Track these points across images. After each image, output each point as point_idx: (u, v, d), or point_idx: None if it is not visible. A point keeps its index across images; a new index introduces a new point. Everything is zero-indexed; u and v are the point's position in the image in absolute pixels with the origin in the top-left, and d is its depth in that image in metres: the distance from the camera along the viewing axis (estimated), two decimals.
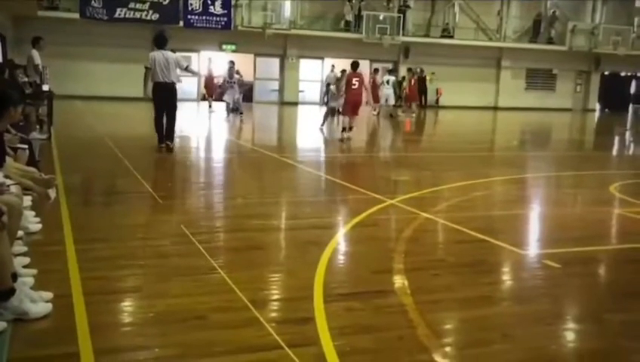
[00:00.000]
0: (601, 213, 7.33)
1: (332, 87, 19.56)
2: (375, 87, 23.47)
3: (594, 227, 6.57)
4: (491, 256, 5.24)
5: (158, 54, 10.67)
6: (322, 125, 16.73)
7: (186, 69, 11.18)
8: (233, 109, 19.19)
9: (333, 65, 19.71)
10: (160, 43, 10.93)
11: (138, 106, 19.44)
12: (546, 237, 6.23)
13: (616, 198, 8.17)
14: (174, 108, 10.85)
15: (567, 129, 23.67)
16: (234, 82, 18.85)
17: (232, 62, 19.51)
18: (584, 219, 7.08)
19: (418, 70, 26.66)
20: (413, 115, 23.48)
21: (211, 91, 23.17)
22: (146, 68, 10.90)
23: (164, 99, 10.65)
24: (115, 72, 23.65)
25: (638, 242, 5.90)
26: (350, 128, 14.44)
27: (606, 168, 11.93)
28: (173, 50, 11.29)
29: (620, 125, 25.18)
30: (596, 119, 29.99)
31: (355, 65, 14.71)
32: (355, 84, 14.47)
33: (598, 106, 34.98)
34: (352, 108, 14.66)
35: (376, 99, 23.76)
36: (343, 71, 18.71)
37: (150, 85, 10.86)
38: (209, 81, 23.88)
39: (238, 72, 19.34)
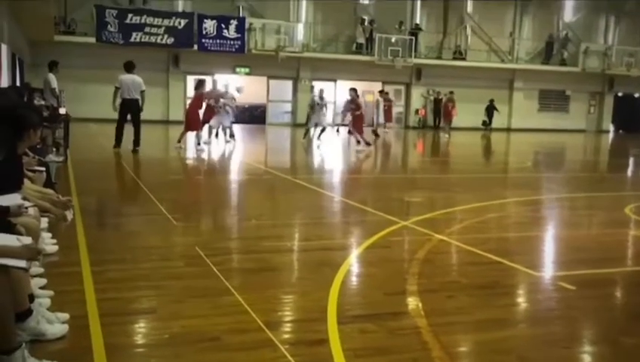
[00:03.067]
0: (617, 234, 7.27)
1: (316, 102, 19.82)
2: (390, 108, 24.28)
3: (609, 249, 6.52)
4: (506, 278, 5.21)
5: (126, 77, 13.76)
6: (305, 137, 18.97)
7: (141, 93, 13.78)
8: (216, 135, 18.03)
9: (321, 90, 19.58)
10: (129, 68, 13.97)
11: (153, 128, 19.65)
12: (560, 259, 6.19)
13: (632, 220, 8.11)
14: (138, 119, 13.75)
15: (581, 150, 23.56)
16: (220, 106, 17.15)
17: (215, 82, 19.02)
18: (599, 241, 7.03)
19: (448, 93, 26.91)
20: (447, 135, 25.08)
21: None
22: (116, 88, 13.77)
23: (130, 111, 13.67)
24: None
25: None
26: (367, 143, 17.62)
27: (621, 190, 11.85)
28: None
29: (634, 146, 25.04)
30: (610, 140, 29.84)
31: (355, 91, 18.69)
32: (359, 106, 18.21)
33: (611, 127, 34.82)
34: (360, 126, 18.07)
35: (389, 118, 24.75)
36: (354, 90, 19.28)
37: (119, 101, 13.77)
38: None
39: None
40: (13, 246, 3.03)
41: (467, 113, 30.22)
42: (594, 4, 33.56)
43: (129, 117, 13.99)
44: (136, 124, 13.75)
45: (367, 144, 17.75)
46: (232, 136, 17.81)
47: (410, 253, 5.93)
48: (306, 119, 20.95)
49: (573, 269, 5.58)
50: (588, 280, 5.26)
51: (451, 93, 26.56)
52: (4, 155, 3.58)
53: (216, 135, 18.35)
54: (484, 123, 30.49)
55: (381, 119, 24.11)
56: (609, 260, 5.98)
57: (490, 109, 30.40)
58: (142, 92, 13.86)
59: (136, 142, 13.68)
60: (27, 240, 3.15)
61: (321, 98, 19.87)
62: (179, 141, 15.71)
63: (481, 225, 7.48)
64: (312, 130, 19.52)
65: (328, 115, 23.35)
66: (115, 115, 14.18)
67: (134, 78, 13.81)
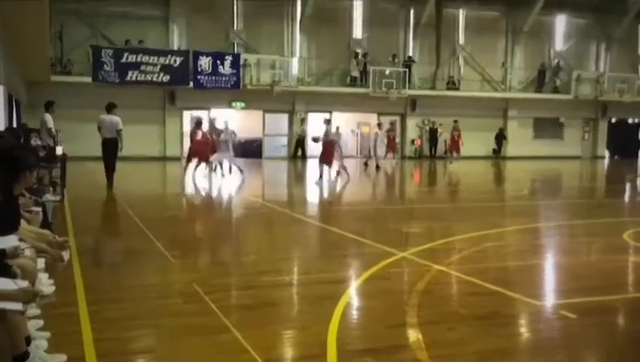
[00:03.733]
0: (616, 261, 7.26)
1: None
2: (393, 140, 24.66)
3: (609, 276, 6.50)
4: (506, 307, 5.18)
5: (106, 117, 14.40)
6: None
7: (118, 132, 14.32)
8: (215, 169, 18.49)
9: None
10: (109, 108, 14.54)
11: (150, 165, 19.68)
12: (560, 288, 6.17)
13: (631, 246, 8.10)
14: (115, 155, 14.45)
15: (577, 176, 23.64)
16: (222, 141, 17.94)
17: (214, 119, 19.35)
18: (599, 268, 7.01)
19: (453, 122, 27.17)
20: (451, 163, 25.66)
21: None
22: (99, 128, 14.53)
23: (112, 148, 14.33)
24: (128, 133, 23.93)
25: None
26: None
27: (618, 216, 11.85)
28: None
29: (629, 172, 25.13)
30: (606, 166, 29.96)
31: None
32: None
33: (607, 153, 35.00)
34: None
35: (393, 148, 24.90)
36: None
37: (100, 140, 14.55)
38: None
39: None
40: (10, 290, 3.02)
41: (463, 142, 30.38)
42: (584, 32, 34.03)
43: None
44: (111, 162, 14.48)
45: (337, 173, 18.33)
46: (240, 170, 18.28)
47: (410, 285, 5.91)
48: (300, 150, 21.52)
49: (574, 297, 5.56)
50: (589, 308, 5.24)
51: (455, 122, 26.62)
52: (1, 198, 3.59)
53: (214, 169, 18.58)
54: (494, 151, 31.52)
55: (380, 151, 23.92)
56: (609, 287, 5.96)
57: (500, 138, 31.34)
58: (118, 131, 14.36)
59: (109, 179, 14.45)
60: (24, 283, 3.15)
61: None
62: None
63: (479, 254, 7.46)
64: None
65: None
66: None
67: (112, 118, 14.37)
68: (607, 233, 9.32)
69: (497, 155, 31.23)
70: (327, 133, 18.19)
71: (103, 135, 14.48)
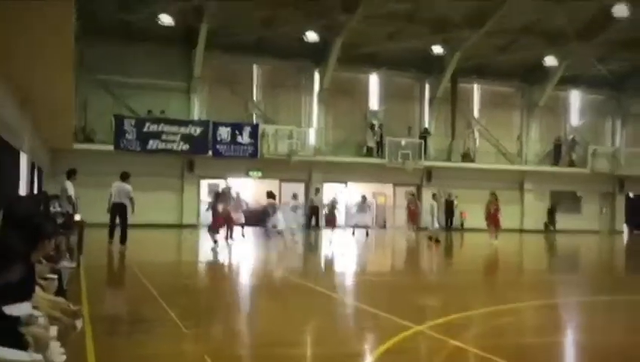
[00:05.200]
0: (638, 342, 7.04)
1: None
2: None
3: (631, 357, 6.30)
4: None
5: (116, 184, 15.97)
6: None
7: (130, 199, 15.72)
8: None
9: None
10: (123, 178, 16.01)
11: (167, 232, 19.77)
12: None
13: None
14: (125, 220, 15.77)
15: (596, 251, 23.28)
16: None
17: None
18: (620, 348, 6.80)
19: (444, 193, 26.94)
20: (495, 241, 21.39)
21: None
22: (111, 195, 15.89)
23: (118, 213, 15.77)
24: (147, 200, 24.26)
25: None
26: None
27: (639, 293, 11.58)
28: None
29: None
30: (625, 241, 29.52)
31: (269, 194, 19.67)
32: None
33: (625, 228, 34.58)
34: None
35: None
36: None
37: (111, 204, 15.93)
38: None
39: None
40: (23, 361, 3.01)
41: (479, 215, 30.20)
42: (599, 108, 34.35)
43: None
44: (123, 224, 15.83)
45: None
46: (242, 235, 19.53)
47: (426, 360, 5.77)
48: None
49: None
50: None
51: (492, 194, 22.84)
52: (20, 266, 3.62)
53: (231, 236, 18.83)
54: (545, 225, 31.64)
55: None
56: None
57: (552, 212, 31.60)
58: (130, 198, 15.78)
59: (123, 239, 15.59)
60: (38, 356, 3.14)
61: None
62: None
63: (497, 330, 7.30)
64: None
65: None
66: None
67: (123, 186, 15.90)
68: (628, 310, 9.09)
69: (548, 229, 31.21)
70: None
71: (113, 200, 15.89)
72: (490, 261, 17.22)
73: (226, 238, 18.29)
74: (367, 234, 24.30)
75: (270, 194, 19.85)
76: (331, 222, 23.19)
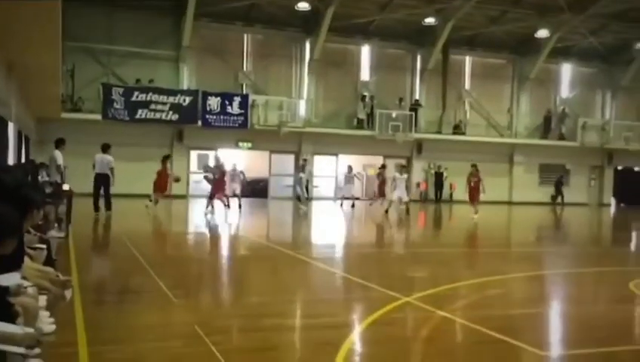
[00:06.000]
0: (623, 311, 7.16)
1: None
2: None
3: (616, 326, 6.40)
4: (511, 357, 5.11)
5: (99, 156, 16.74)
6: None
7: (111, 170, 16.53)
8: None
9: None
10: (104, 149, 16.82)
11: (157, 204, 19.71)
12: (567, 337, 6.08)
13: (637, 296, 8.01)
14: (108, 188, 16.63)
15: (584, 224, 23.52)
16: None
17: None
18: (605, 318, 6.91)
19: (434, 166, 26.93)
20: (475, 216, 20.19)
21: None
22: (93, 165, 16.80)
23: (102, 182, 16.61)
24: (135, 170, 24.19)
25: None
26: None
27: (624, 264, 11.75)
28: None
29: (636, 220, 25.00)
30: (612, 214, 29.83)
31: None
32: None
33: (613, 201, 34.89)
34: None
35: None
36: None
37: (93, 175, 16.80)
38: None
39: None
40: (15, 334, 3.02)
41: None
42: (590, 81, 34.39)
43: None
44: (107, 193, 16.72)
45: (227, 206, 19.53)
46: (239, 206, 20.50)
47: (413, 331, 5.84)
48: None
49: (581, 348, 5.48)
50: (596, 359, 5.15)
51: (473, 166, 21.49)
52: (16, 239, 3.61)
53: (228, 205, 19.77)
54: (552, 198, 31.69)
55: (401, 194, 21.69)
56: (617, 338, 5.87)
57: (559, 185, 31.48)
58: (111, 169, 16.55)
59: (108, 206, 16.62)
60: (30, 329, 3.16)
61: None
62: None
63: (484, 301, 7.38)
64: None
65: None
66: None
67: (104, 157, 16.71)
68: (613, 282, 9.22)
69: (556, 202, 31.33)
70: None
71: (96, 171, 16.69)
72: (477, 233, 17.34)
73: (225, 205, 19.53)
74: (352, 205, 24.36)
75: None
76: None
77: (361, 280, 8.38)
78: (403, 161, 28.34)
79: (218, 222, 17.11)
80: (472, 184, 21.06)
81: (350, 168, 25.86)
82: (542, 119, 33.05)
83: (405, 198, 21.72)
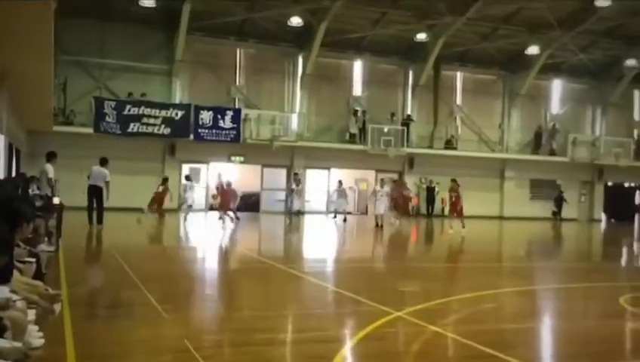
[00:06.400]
0: (613, 326, 7.17)
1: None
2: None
3: (607, 341, 6.41)
4: None
5: (96, 168, 16.97)
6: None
7: (106, 183, 16.71)
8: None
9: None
10: (102, 163, 17.08)
11: (147, 217, 19.67)
12: (558, 352, 6.08)
13: (628, 311, 8.02)
14: (101, 202, 16.73)
15: (574, 239, 23.59)
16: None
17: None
18: (596, 333, 6.92)
19: (426, 180, 27.10)
20: (450, 231, 20.10)
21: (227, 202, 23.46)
22: (88, 177, 16.94)
23: (95, 194, 16.70)
24: (128, 184, 24.13)
25: None
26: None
27: (614, 280, 11.78)
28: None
29: (626, 236, 25.11)
30: (602, 229, 29.95)
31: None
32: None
33: (603, 216, 35.04)
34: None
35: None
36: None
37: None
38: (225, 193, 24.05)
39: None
40: (3, 347, 3.00)
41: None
42: (580, 97, 34.67)
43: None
44: (99, 206, 16.82)
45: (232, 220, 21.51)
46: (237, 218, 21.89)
47: (405, 346, 5.83)
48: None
49: None
50: None
51: (453, 181, 21.28)
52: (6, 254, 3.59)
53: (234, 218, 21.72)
54: (553, 213, 31.97)
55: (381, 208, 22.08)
56: (608, 353, 5.87)
57: (559, 200, 31.85)
58: (106, 182, 16.70)
59: (100, 219, 16.73)
60: (17, 344, 3.14)
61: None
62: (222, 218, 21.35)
63: (476, 316, 7.38)
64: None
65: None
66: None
67: (101, 170, 16.91)
68: (603, 297, 9.24)
69: (558, 217, 31.64)
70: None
71: (90, 183, 16.84)
72: (469, 248, 17.36)
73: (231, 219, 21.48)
74: (344, 219, 24.42)
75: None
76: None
77: (353, 295, 8.35)
78: (394, 176, 28.61)
79: (210, 236, 17.06)
80: (454, 199, 20.95)
81: (340, 183, 26.02)
82: (533, 135, 33.25)
83: (381, 212, 21.91)
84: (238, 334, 6.15)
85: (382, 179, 24.28)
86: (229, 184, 22.32)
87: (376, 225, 21.44)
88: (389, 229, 21.39)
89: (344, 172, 29.23)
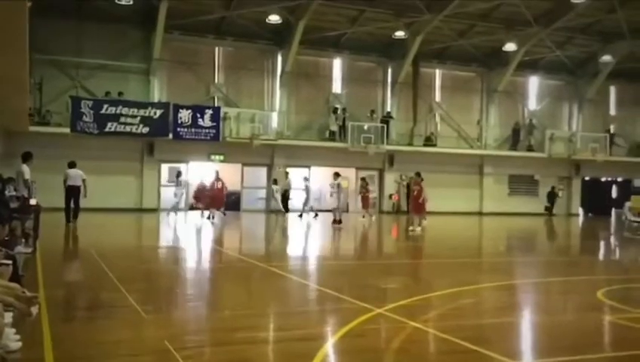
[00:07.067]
0: (591, 319, 7.26)
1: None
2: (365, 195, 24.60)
3: (585, 335, 6.49)
4: None
5: (71, 171, 18.08)
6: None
7: (84, 181, 17.86)
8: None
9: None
10: (72, 165, 18.19)
11: (126, 216, 19.50)
12: (537, 346, 6.14)
13: (605, 304, 8.13)
14: (78, 199, 17.88)
15: (552, 234, 23.87)
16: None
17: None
18: (575, 326, 7.01)
19: (406, 177, 27.41)
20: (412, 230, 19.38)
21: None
22: (64, 180, 17.91)
23: (73, 194, 17.80)
24: (106, 184, 23.91)
25: (631, 349, 5.82)
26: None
27: (592, 274, 11.94)
28: None
29: (602, 229, 25.45)
30: (580, 224, 30.34)
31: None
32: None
33: (581, 211, 35.50)
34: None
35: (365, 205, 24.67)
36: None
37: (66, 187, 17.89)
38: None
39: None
40: None
41: (440, 198, 30.58)
42: (557, 93, 35.07)
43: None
44: (76, 204, 17.91)
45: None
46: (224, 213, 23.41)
47: (385, 342, 5.84)
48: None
49: (551, 356, 5.53)
50: None
51: (416, 174, 20.19)
52: None
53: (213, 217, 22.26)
54: (546, 208, 32.49)
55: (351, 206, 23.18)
56: (586, 346, 5.94)
57: (552, 196, 32.41)
58: (84, 181, 17.88)
59: (75, 215, 17.83)
60: None
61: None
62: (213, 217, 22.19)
63: (456, 311, 7.43)
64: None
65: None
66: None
67: (76, 171, 18.13)
68: (581, 291, 9.36)
69: (550, 213, 32.13)
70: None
71: (68, 183, 17.76)
72: (449, 243, 17.47)
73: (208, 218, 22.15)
74: (315, 215, 25.30)
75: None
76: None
77: (334, 292, 8.36)
78: (370, 173, 29.11)
79: (190, 234, 16.97)
80: (415, 193, 19.59)
81: (305, 178, 27.07)
82: (510, 131, 33.54)
83: (335, 206, 22.16)
84: (219, 333, 6.12)
85: (335, 173, 22.96)
86: (219, 180, 23.23)
87: (334, 220, 21.38)
88: (365, 225, 21.39)
89: (324, 170, 29.19)
